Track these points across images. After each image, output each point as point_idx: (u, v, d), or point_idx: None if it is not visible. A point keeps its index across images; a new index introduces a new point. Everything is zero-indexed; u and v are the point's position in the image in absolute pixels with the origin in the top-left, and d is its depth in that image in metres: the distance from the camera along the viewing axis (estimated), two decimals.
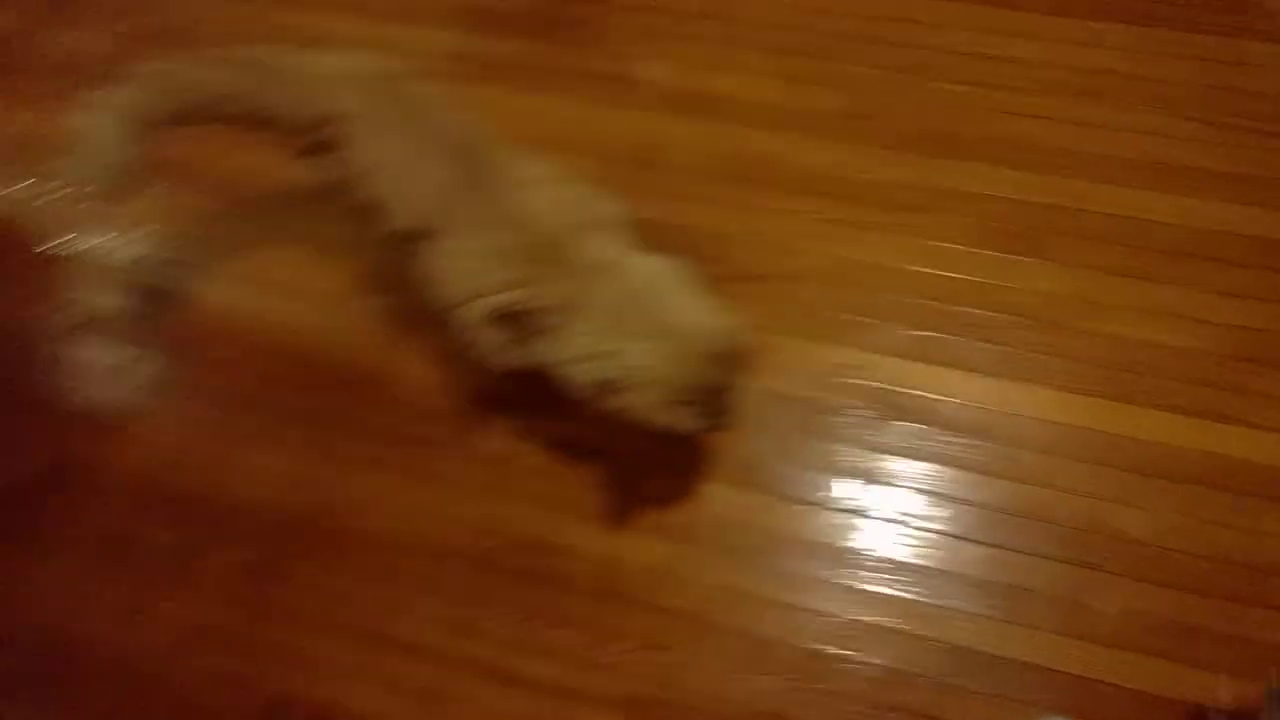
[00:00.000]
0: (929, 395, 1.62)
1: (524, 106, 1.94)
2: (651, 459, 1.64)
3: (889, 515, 1.56)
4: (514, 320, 1.36)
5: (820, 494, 1.59)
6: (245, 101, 1.46)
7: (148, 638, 1.64)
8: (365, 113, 1.42)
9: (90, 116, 1.44)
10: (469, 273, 1.35)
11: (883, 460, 1.60)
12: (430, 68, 1.96)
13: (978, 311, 1.65)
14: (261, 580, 1.65)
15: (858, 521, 1.57)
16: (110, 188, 1.46)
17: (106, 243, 1.98)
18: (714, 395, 1.28)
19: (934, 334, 1.65)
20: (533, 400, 1.69)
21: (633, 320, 1.28)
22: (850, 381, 1.64)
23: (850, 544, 1.55)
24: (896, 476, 1.58)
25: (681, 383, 1.25)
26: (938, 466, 1.58)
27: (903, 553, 1.54)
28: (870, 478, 1.59)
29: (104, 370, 1.87)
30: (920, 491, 1.57)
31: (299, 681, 1.58)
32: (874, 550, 1.54)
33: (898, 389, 1.63)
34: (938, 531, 1.54)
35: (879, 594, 1.51)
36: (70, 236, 1.98)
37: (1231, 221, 1.64)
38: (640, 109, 1.91)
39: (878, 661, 1.46)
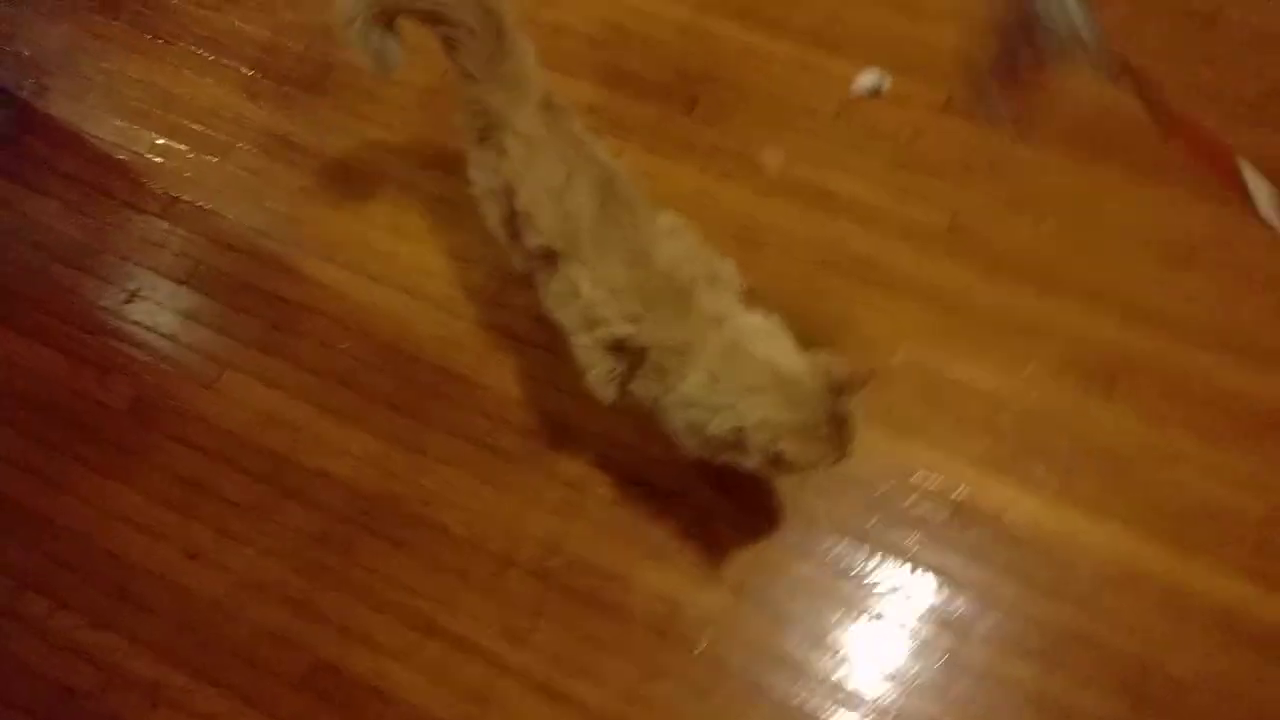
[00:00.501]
0: (996, 507, 1.69)
1: (647, 166, 2.06)
2: (721, 510, 1.71)
3: (940, 610, 1.62)
4: (627, 353, 1.44)
5: (877, 580, 1.65)
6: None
7: (207, 583, 1.68)
8: (527, 130, 1.50)
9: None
10: (594, 301, 1.42)
11: (943, 561, 1.66)
12: None
13: (1056, 439, 1.74)
14: (328, 549, 1.70)
15: (908, 611, 1.63)
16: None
17: (218, 203, 2.07)
18: (834, 427, 1.34)
19: (1010, 451, 1.73)
20: (618, 432, 1.77)
21: (745, 371, 1.36)
22: (923, 480, 1.72)
23: (899, 631, 1.61)
24: (952, 580, 1.65)
25: (801, 423, 1.32)
26: (994, 574, 1.65)
27: (947, 643, 1.59)
28: (926, 571, 1.66)
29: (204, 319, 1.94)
30: (973, 594, 1.63)
31: (348, 652, 1.61)
32: (919, 641, 1.60)
33: (967, 496, 1.71)
34: (983, 636, 1.60)
35: (921, 685, 1.57)
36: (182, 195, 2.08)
37: None
38: (755, 190, 2.03)
39: None
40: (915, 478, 1.72)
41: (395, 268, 1.98)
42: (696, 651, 1.60)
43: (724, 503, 1.72)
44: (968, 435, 1.75)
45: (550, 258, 1.48)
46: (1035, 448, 1.74)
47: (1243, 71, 2.10)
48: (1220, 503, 1.68)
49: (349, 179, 2.09)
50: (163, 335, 1.93)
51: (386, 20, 1.56)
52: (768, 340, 1.41)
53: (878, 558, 1.67)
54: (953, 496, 1.71)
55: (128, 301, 1.97)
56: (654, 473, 1.75)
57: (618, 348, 1.43)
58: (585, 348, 1.47)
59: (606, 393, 1.50)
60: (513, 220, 1.52)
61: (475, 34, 1.54)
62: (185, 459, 1.79)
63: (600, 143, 1.54)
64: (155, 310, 1.96)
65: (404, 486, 1.75)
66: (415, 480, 1.75)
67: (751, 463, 1.34)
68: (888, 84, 2.12)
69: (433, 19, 1.56)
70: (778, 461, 1.29)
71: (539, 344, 1.85)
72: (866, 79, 2.11)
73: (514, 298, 1.90)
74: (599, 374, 1.48)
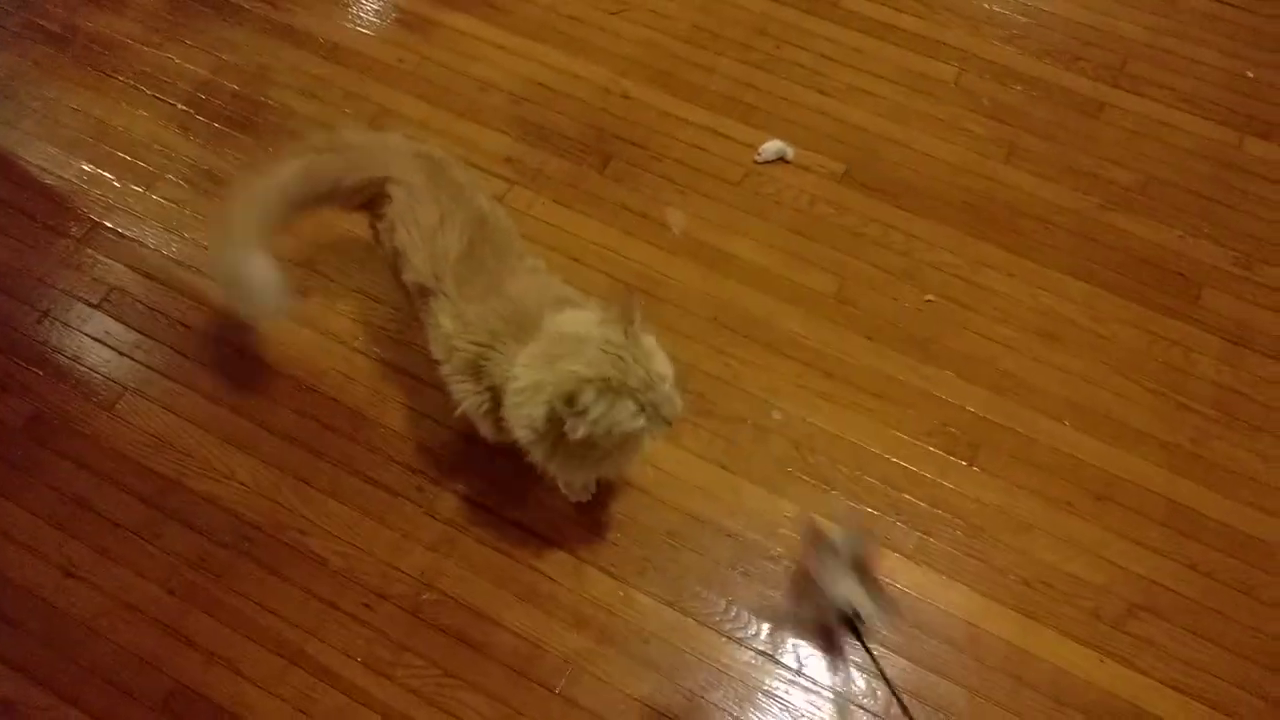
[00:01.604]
0: None
1: (556, 217, 2.15)
2: (593, 556, 1.76)
3: (794, 664, 1.67)
4: (480, 372, 1.49)
5: (739, 631, 1.70)
6: (342, 183, 1.63)
7: (79, 601, 1.71)
8: (408, 179, 1.60)
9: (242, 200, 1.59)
10: (451, 332, 1.50)
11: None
12: (481, 163, 2.21)
13: (918, 502, 1.81)
14: (204, 573, 1.73)
15: (767, 664, 1.67)
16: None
17: (139, 231, 2.13)
18: (643, 383, 1.33)
19: (873, 511, 1.80)
20: (501, 474, 1.82)
21: (555, 348, 1.39)
22: (791, 535, 1.78)
23: (754, 683, 1.66)
24: (810, 632, 1.70)
25: (603, 370, 1.31)
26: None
27: (800, 701, 1.64)
28: (784, 626, 1.70)
29: (109, 344, 1.99)
30: (829, 651, 1.69)
31: (211, 678, 1.64)
32: (776, 693, 1.65)
33: None
34: (832, 690, 1.65)
35: None
36: (104, 222, 2.14)
37: (1151, 479, 1.83)
38: (656, 246, 2.11)
39: None
40: (782, 531, 1.78)
41: (304, 303, 2.04)
42: (555, 691, 1.64)
43: (597, 549, 1.77)
44: (835, 492, 1.82)
45: (424, 294, 1.55)
46: (897, 509, 1.81)
47: (1119, 161, 2.23)
48: (1063, 571, 1.75)
49: None
50: (68, 356, 1.97)
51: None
52: (581, 322, 1.44)
53: (738, 609, 1.72)
54: None
55: (38, 321, 2.02)
56: (532, 515, 1.80)
57: (475, 375, 1.50)
58: (449, 377, 1.54)
59: (484, 427, 1.55)
60: (396, 259, 1.60)
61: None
62: (74, 478, 1.82)
63: (481, 191, 1.63)
64: (64, 331, 2.01)
65: (286, 515, 1.79)
66: (298, 510, 1.80)
67: (579, 433, 1.33)
68: (791, 153, 2.22)
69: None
70: (592, 420, 1.31)
71: (433, 383, 1.89)
72: (771, 148, 2.22)
73: (415, 336, 1.96)
74: (470, 405, 1.53)
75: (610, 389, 1.31)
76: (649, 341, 1.37)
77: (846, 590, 1.38)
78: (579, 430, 1.32)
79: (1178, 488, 1.83)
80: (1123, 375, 1.95)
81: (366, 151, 1.66)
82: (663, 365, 1.36)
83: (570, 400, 1.30)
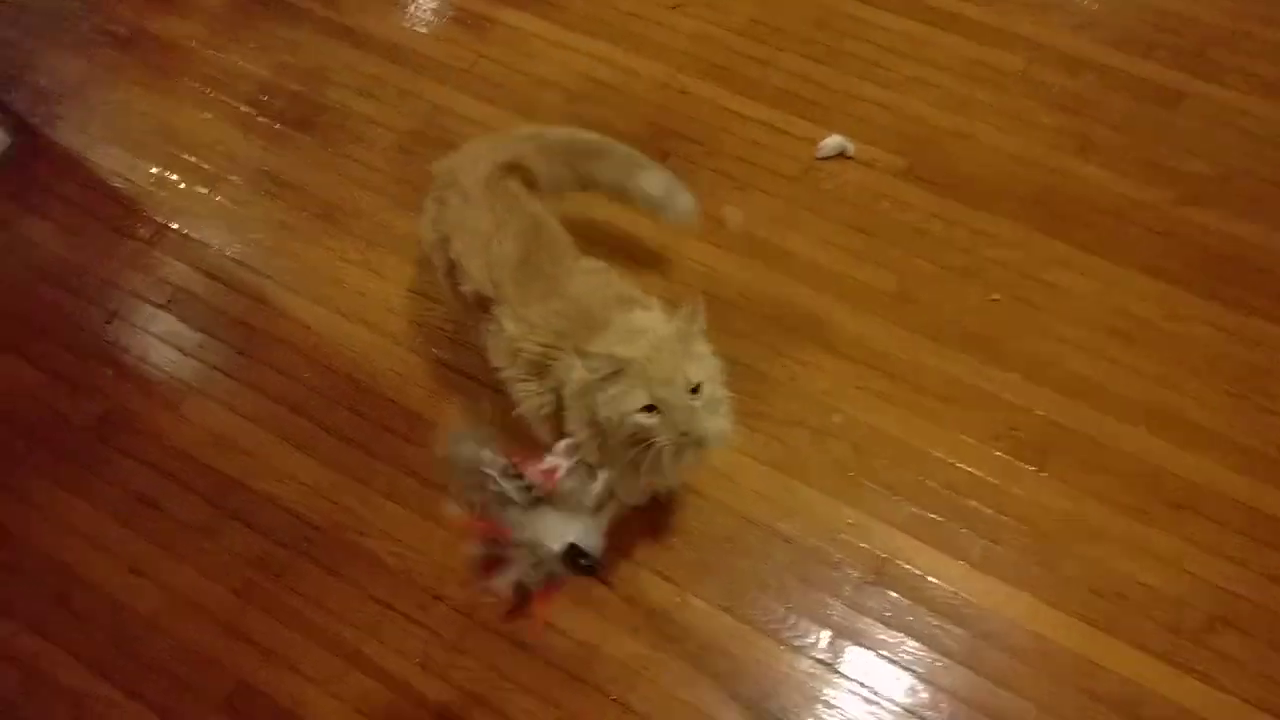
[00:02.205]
0: (919, 572, 1.71)
1: (614, 217, 2.12)
2: (648, 559, 1.74)
3: (853, 674, 1.64)
4: (546, 372, 1.48)
5: (796, 638, 1.67)
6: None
7: (144, 598, 1.74)
8: (465, 185, 1.60)
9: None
10: (514, 335, 1.49)
11: (861, 621, 1.68)
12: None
13: (983, 509, 1.76)
14: (264, 572, 1.75)
15: (824, 673, 1.64)
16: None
17: (204, 232, 2.17)
18: (662, 385, 1.28)
19: (938, 518, 1.75)
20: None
21: (615, 342, 1.35)
22: (852, 541, 1.74)
23: (813, 693, 1.63)
24: (869, 640, 1.66)
25: (634, 360, 1.27)
26: (910, 640, 1.66)
27: (861, 712, 1.60)
28: (846, 635, 1.67)
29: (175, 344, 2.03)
30: (888, 660, 1.64)
31: (271, 676, 1.66)
32: (832, 703, 1.61)
33: (893, 560, 1.72)
34: (894, 702, 1.61)
35: None
36: (170, 223, 2.18)
37: (1231, 487, 1.75)
38: (712, 244, 2.08)
39: None
40: (842, 537, 1.74)
41: (362, 303, 2.05)
42: (611, 697, 1.63)
43: (652, 552, 1.75)
44: (898, 498, 1.77)
45: (483, 304, 1.54)
46: (962, 515, 1.75)
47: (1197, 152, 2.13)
48: (1137, 581, 1.68)
49: (328, 215, 2.18)
50: (135, 356, 2.01)
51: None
52: (650, 320, 1.41)
53: (797, 616, 1.69)
54: (878, 558, 1.72)
55: (107, 322, 2.07)
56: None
57: (539, 375, 1.48)
58: (512, 380, 1.53)
59: (542, 431, 1.54)
60: (452, 271, 1.60)
61: None
62: (141, 476, 1.86)
63: (534, 198, 1.61)
64: (131, 332, 2.05)
65: (345, 515, 1.80)
66: (356, 510, 1.81)
67: (625, 433, 1.30)
68: (852, 149, 2.17)
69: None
70: (604, 401, 1.28)
71: (490, 384, 1.90)
72: (831, 143, 2.17)
73: (472, 339, 1.96)
74: (529, 407, 1.52)
75: (628, 372, 1.27)
76: (700, 348, 1.33)
77: (546, 529, 1.22)
78: (599, 409, 1.29)
79: (1259, 495, 1.74)
80: (1200, 378, 1.86)
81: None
82: (699, 373, 1.30)
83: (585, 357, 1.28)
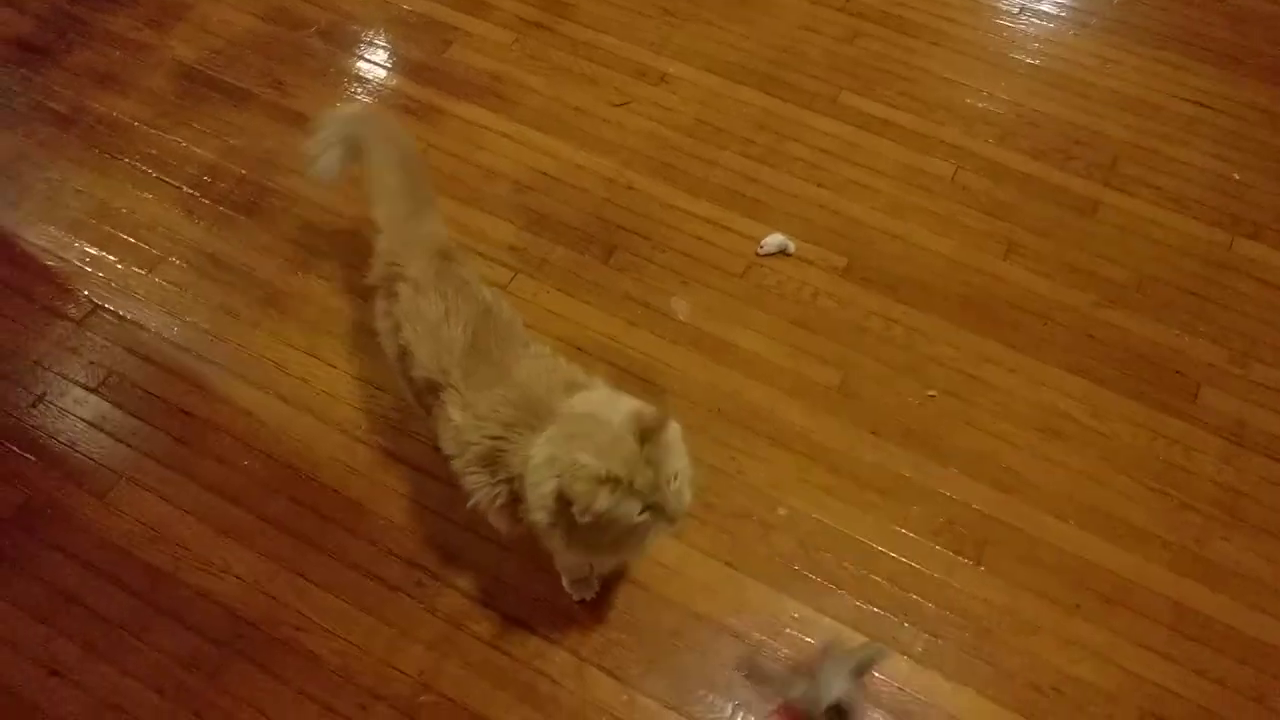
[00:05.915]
0: None
1: (559, 305, 2.16)
2: (595, 656, 1.72)
3: None
4: (497, 464, 1.47)
5: None
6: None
7: (62, 701, 1.65)
8: (414, 275, 1.62)
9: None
10: (462, 425, 1.49)
11: None
12: (486, 250, 2.22)
13: (925, 602, 1.79)
14: (194, 672, 1.68)
15: None
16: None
17: (140, 314, 2.12)
18: (649, 485, 1.31)
19: (880, 611, 1.78)
20: (503, 569, 1.79)
21: (571, 426, 1.38)
22: (798, 636, 1.75)
23: None
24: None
25: (606, 469, 1.29)
26: None
27: None
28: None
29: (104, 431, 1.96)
30: None
31: None
32: None
33: None
34: None
35: None
36: (105, 304, 2.13)
37: (1158, 581, 1.82)
38: (659, 336, 2.12)
39: None
40: (788, 631, 1.75)
41: (306, 390, 2.02)
42: None
43: (599, 648, 1.73)
44: (842, 591, 1.80)
45: (433, 389, 1.54)
46: (904, 609, 1.78)
47: (1114, 258, 2.27)
48: (1071, 676, 1.72)
49: (272, 300, 2.16)
50: (62, 442, 1.94)
51: (347, 146, 1.88)
52: (595, 401, 1.44)
53: (744, 714, 1.68)
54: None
55: (33, 405, 1.99)
56: (535, 613, 1.76)
57: (491, 467, 1.48)
58: (463, 473, 1.52)
59: (498, 521, 1.53)
60: (403, 357, 1.59)
61: (395, 195, 1.75)
62: (63, 570, 1.78)
63: (485, 286, 1.64)
64: (59, 416, 1.98)
65: (282, 611, 1.75)
66: (294, 604, 1.75)
67: (585, 518, 1.30)
68: (793, 247, 2.25)
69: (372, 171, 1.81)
70: (596, 512, 1.28)
71: (437, 475, 1.88)
72: (773, 241, 2.25)
73: (418, 427, 1.94)
74: (484, 498, 1.51)
75: (617, 487, 1.29)
76: (672, 433, 1.36)
77: (843, 686, 1.36)
78: (585, 516, 1.30)
79: (1183, 590, 1.82)
80: (1125, 474, 1.95)
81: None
82: (679, 460, 1.35)
83: (574, 495, 1.28)
